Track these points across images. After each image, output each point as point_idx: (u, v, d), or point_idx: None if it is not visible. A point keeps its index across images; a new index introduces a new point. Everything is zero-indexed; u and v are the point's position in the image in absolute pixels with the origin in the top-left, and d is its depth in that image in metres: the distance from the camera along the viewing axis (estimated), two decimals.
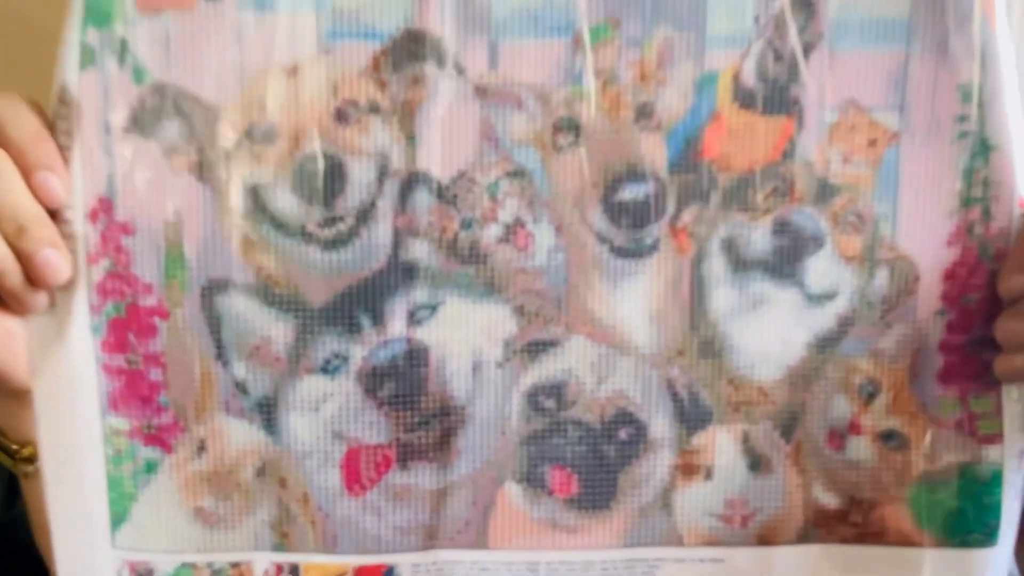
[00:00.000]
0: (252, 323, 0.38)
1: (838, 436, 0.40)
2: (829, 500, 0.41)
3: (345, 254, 0.38)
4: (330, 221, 0.38)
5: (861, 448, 0.40)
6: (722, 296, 0.39)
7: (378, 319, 0.39)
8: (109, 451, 0.39)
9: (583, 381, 0.39)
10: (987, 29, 0.37)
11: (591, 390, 0.40)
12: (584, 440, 0.40)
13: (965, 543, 0.40)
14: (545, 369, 0.39)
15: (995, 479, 0.40)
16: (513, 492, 0.40)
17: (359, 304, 0.38)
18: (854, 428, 0.40)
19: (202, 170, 0.37)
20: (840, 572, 0.41)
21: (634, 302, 0.39)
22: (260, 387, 0.39)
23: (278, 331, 0.38)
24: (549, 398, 0.40)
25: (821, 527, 0.41)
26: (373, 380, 0.39)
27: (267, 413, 0.39)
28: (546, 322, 0.39)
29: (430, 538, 0.40)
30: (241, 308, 0.38)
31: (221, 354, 0.39)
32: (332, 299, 0.38)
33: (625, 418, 0.40)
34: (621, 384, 0.40)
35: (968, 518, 0.40)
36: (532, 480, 0.40)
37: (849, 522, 0.41)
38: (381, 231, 0.38)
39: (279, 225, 0.38)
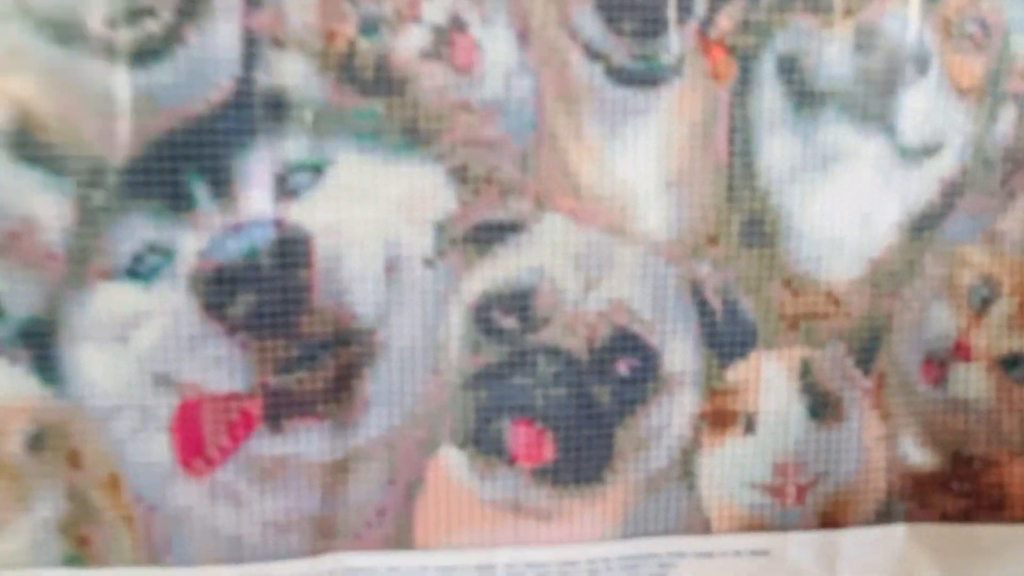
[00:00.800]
0: (10, 196, 0.23)
1: (938, 364, 0.27)
2: (924, 458, 0.27)
3: (160, 75, 0.22)
4: (132, 16, 0.22)
5: (972, 380, 0.27)
6: (777, 148, 0.25)
7: (223, 190, 0.23)
8: None
9: (562, 287, 0.25)
10: None
11: (574, 301, 0.25)
12: (563, 379, 0.26)
13: None
14: (502, 269, 0.25)
15: None
16: (452, 462, 0.26)
17: (189, 163, 0.23)
18: (962, 351, 0.27)
19: None
20: (938, 562, 0.28)
21: (642, 159, 0.25)
22: (24, 304, 0.23)
23: (49, 209, 0.23)
24: (508, 315, 0.25)
25: (912, 498, 0.28)
26: (218, 290, 0.24)
27: (39, 347, 0.23)
28: (503, 193, 0.24)
29: (323, 537, 0.26)
30: None
31: None
32: (141, 155, 0.23)
33: (626, 344, 0.26)
34: (621, 291, 0.25)
35: None
36: (482, 442, 0.26)
37: (953, 490, 0.28)
38: (222, 35, 0.22)
39: (45, 24, 0.22)
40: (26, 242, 0.23)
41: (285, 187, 0.23)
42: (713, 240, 0.25)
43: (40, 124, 0.22)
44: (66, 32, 0.22)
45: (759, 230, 0.25)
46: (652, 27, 0.24)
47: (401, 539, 0.26)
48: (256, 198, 0.23)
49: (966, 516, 0.28)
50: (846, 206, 0.26)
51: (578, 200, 0.25)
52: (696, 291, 0.26)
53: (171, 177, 0.23)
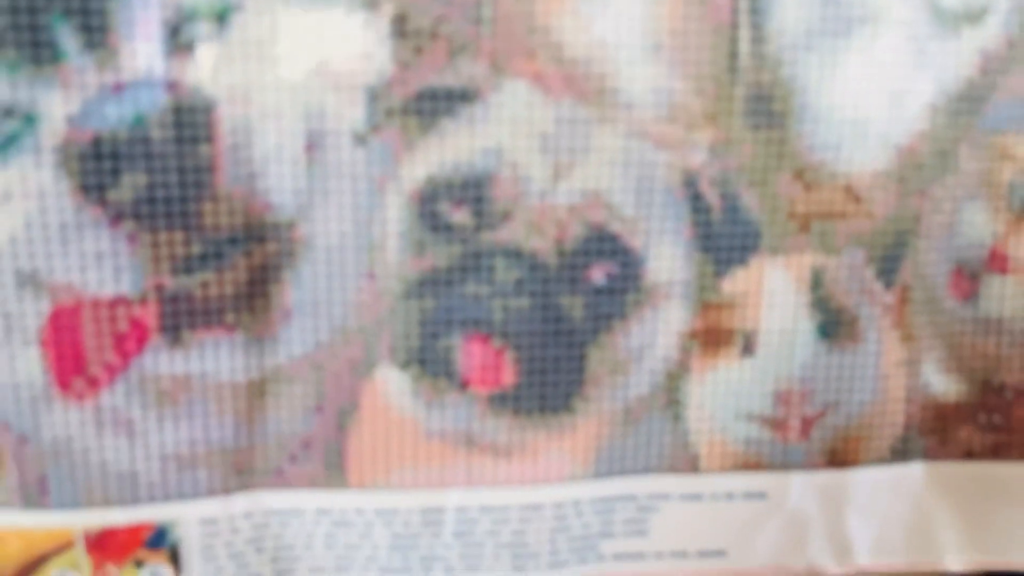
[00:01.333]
0: None
1: (968, 276, 0.23)
2: (949, 386, 0.23)
3: None
4: None
5: (1008, 296, 0.23)
6: (792, 6, 0.20)
7: (99, 39, 0.18)
8: None
9: (524, 174, 0.20)
10: None
11: (540, 192, 0.21)
12: (526, 287, 0.21)
13: None
14: (451, 149, 0.20)
15: None
16: (392, 385, 0.21)
17: (52, 2, 0.18)
18: (997, 261, 0.23)
19: None
20: (959, 506, 0.24)
21: (625, 14, 0.20)
22: None
23: None
24: (459, 207, 0.20)
25: (932, 433, 0.24)
26: (97, 167, 0.19)
27: None
28: (452, 52, 0.20)
29: (237, 473, 0.22)
30: None
31: None
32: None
33: (603, 246, 0.21)
34: (597, 179, 0.21)
35: None
36: (428, 363, 0.21)
37: (979, 423, 0.24)
38: None
39: None
40: None
41: (178, 39, 0.19)
42: (711, 119, 0.21)
43: None
44: None
45: (767, 108, 0.21)
46: None
47: (331, 477, 0.22)
48: (142, 52, 0.19)
49: (994, 453, 0.24)
50: (872, 81, 0.21)
51: (545, 64, 0.20)
52: (689, 183, 0.21)
53: (29, 20, 0.18)
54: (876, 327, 0.23)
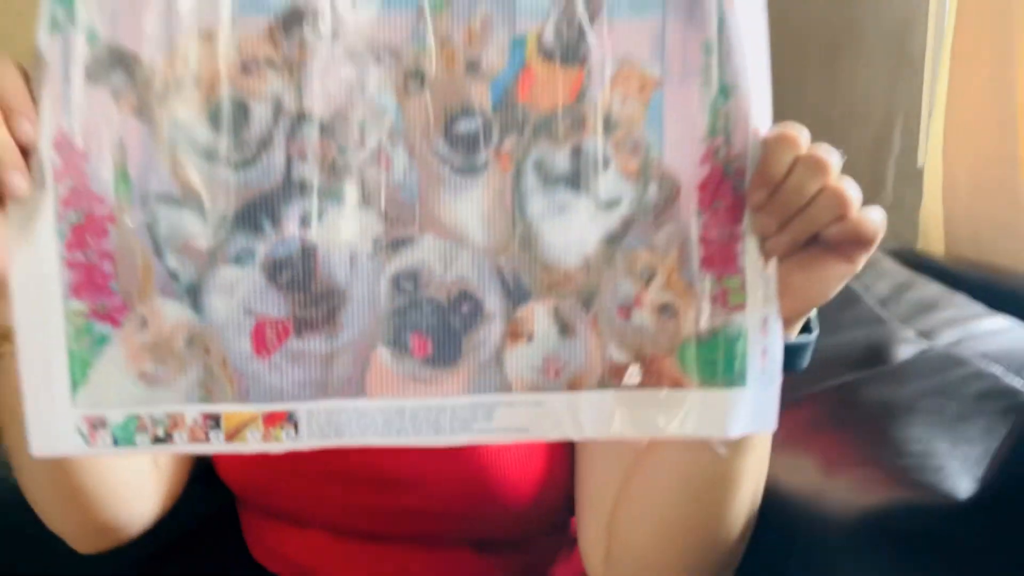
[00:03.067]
0: (181, 226, 0.51)
1: (625, 309, 0.54)
2: (620, 357, 0.55)
3: (250, 173, 0.51)
4: (238, 148, 0.51)
5: (643, 317, 0.54)
6: (535, 203, 0.53)
7: (276, 223, 0.51)
8: (70, 329, 0.51)
9: (433, 269, 0.53)
10: (722, 5, 0.52)
11: (440, 275, 0.53)
12: (435, 313, 0.53)
13: (718, 384, 0.54)
14: (404, 260, 0.53)
15: (741, 337, 0.54)
16: (383, 354, 0.53)
17: (262, 211, 0.51)
18: (637, 302, 0.54)
19: (141, 110, 0.50)
20: (628, 409, 0.55)
21: (470, 208, 0.52)
22: (188, 275, 0.51)
23: (202, 232, 0.51)
24: (408, 281, 0.53)
25: (614, 377, 0.55)
26: (274, 269, 0.52)
27: (194, 295, 0.51)
28: (404, 224, 0.52)
29: (321, 391, 0.53)
30: (172, 215, 0.51)
31: (158, 250, 0.51)
32: (242, 208, 0.51)
33: (466, 296, 0.53)
34: (462, 271, 0.53)
35: (720, 367, 0.54)
36: (397, 344, 0.53)
37: (635, 372, 0.55)
38: (277, 156, 0.51)
39: (199, 151, 0.50)
40: (190, 247, 0.51)
41: (304, 223, 0.52)
42: (506, 247, 0.53)
43: (197, 194, 0.51)
44: (210, 155, 0.50)
45: (528, 242, 0.53)
46: (472, 148, 0.52)
47: (358, 393, 0.53)
48: (291, 228, 0.51)
49: (641, 385, 0.54)
50: (572, 231, 0.53)
51: (440, 228, 0.53)
52: (499, 271, 0.53)
53: (254, 218, 0.51)
54: (584, 331, 0.54)
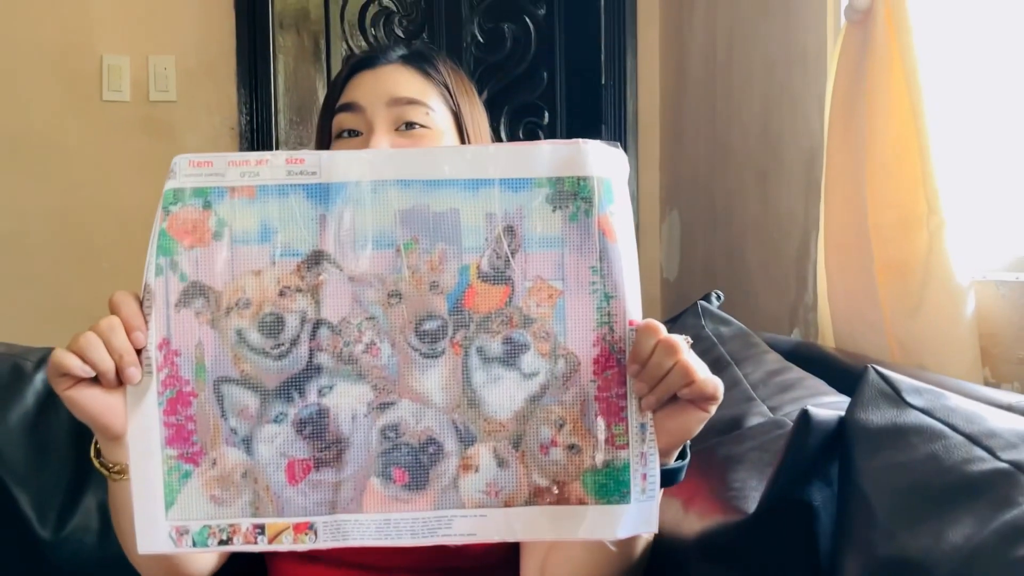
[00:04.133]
0: (239, 399, 0.76)
1: (545, 447, 0.77)
2: (541, 482, 0.78)
3: (284, 362, 0.76)
4: (277, 346, 0.76)
5: (557, 454, 0.77)
6: (478, 376, 0.77)
7: (302, 394, 0.76)
8: (165, 467, 0.76)
9: (409, 422, 0.77)
10: (603, 240, 0.76)
11: (413, 427, 0.77)
12: (411, 453, 0.77)
13: (610, 502, 0.77)
14: (389, 417, 0.77)
15: (625, 467, 0.77)
16: (375, 482, 0.77)
17: (292, 387, 0.76)
18: (553, 443, 0.77)
19: (213, 323, 0.75)
20: (547, 519, 0.77)
21: (433, 381, 0.77)
22: (243, 431, 0.76)
23: (252, 402, 0.76)
24: (392, 431, 0.77)
25: (538, 496, 0.78)
26: (300, 426, 0.76)
27: (247, 444, 0.76)
28: (388, 393, 0.76)
29: (332, 508, 0.77)
30: (234, 391, 0.76)
31: (224, 414, 0.76)
32: (279, 385, 0.76)
33: (431, 441, 0.77)
34: (429, 423, 0.77)
35: (611, 489, 0.77)
36: (385, 475, 0.77)
37: (551, 493, 0.77)
38: (302, 350, 0.76)
39: (252, 349, 0.76)
40: (245, 412, 0.76)
41: (321, 393, 0.76)
42: (459, 406, 0.77)
43: (250, 376, 0.76)
44: (259, 351, 0.76)
45: (474, 403, 0.77)
46: (435, 340, 0.76)
47: (358, 509, 0.77)
48: (312, 397, 0.76)
49: (556, 503, 0.77)
50: (504, 395, 0.77)
51: (413, 395, 0.77)
52: (454, 423, 0.77)
53: (287, 391, 0.76)
54: (515, 464, 0.77)
